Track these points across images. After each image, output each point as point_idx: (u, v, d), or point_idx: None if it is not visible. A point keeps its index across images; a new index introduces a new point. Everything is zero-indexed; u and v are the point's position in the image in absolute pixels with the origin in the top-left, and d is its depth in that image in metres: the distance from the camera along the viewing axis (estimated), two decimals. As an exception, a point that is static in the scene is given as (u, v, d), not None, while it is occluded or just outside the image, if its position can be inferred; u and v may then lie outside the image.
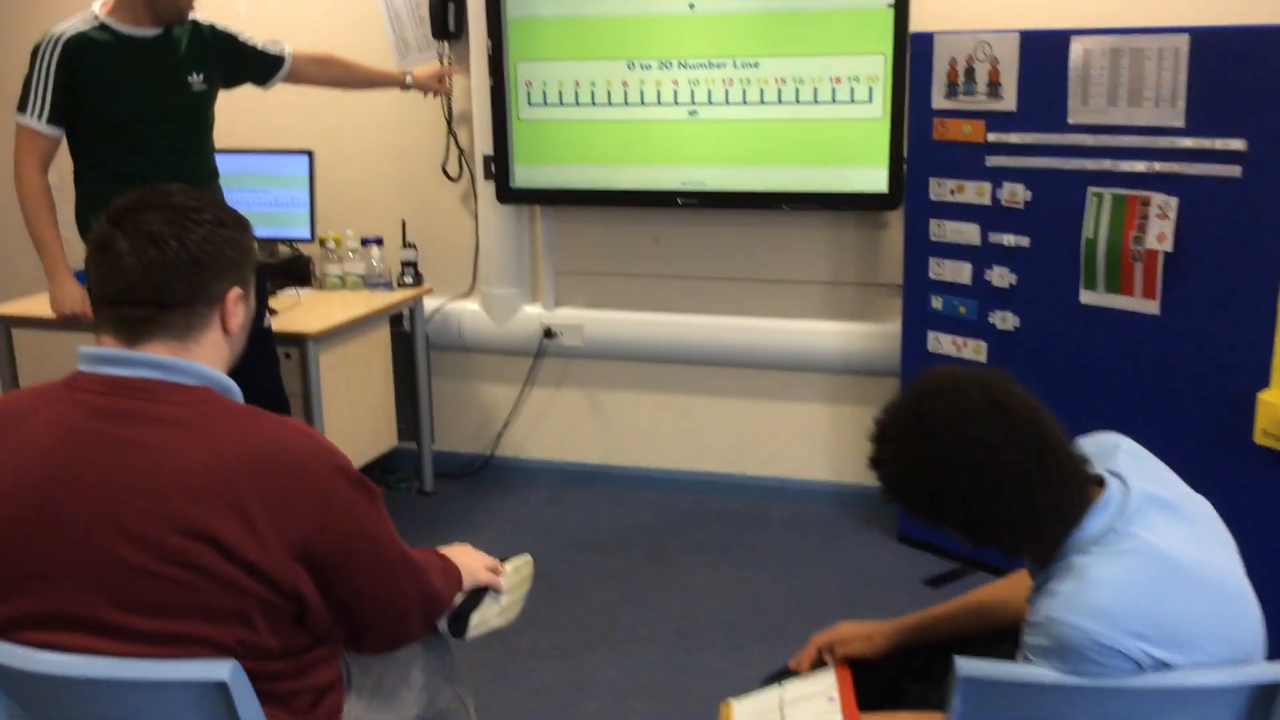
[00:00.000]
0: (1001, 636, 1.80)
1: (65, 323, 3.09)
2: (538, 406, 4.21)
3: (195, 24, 3.10)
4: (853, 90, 3.48)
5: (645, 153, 3.73)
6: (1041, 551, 1.57)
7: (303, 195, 3.96)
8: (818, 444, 3.96)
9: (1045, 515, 1.51)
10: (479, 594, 1.94)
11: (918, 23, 3.37)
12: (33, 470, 1.45)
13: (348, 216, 4.10)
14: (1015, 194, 3.15)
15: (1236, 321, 2.80)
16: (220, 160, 3.25)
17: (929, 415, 1.53)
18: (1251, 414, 2.77)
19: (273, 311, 3.41)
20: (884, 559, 3.58)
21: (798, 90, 3.53)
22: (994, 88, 3.13)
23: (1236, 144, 2.73)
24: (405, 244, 4.01)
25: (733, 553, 3.64)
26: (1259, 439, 2.76)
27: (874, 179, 3.52)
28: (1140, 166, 2.90)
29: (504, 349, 4.14)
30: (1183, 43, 2.78)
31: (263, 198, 3.95)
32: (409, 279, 3.99)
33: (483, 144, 3.90)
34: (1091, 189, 2.98)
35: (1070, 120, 3.01)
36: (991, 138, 3.16)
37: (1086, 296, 3.06)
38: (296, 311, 3.63)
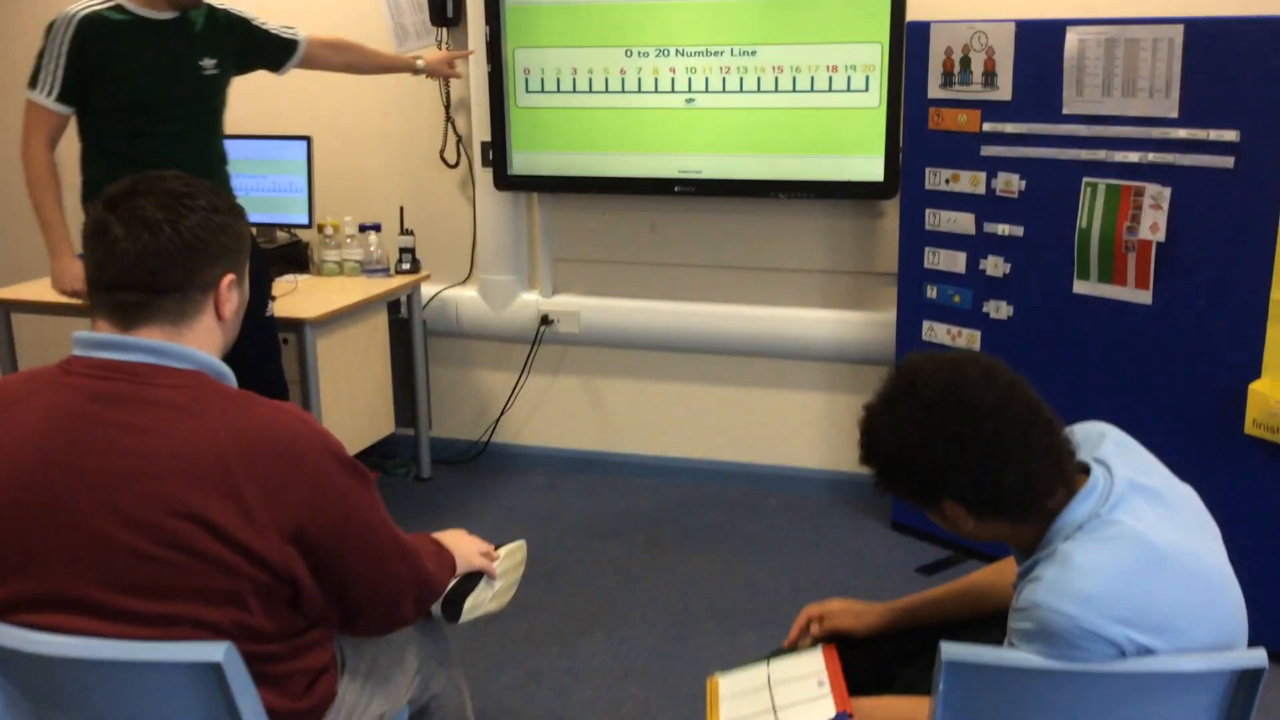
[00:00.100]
0: (992, 621, 1.81)
1: (66, 299, 3.10)
2: (534, 393, 4.22)
3: (210, 8, 3.09)
4: (849, 79, 3.49)
5: (642, 140, 3.73)
6: (1028, 536, 1.58)
7: (301, 181, 3.96)
8: (813, 432, 3.97)
9: (1045, 482, 1.52)
10: (473, 578, 1.96)
11: (914, 11, 3.37)
12: (28, 454, 1.46)
13: (346, 202, 4.10)
14: (1010, 184, 3.16)
15: (1228, 312, 2.81)
16: (220, 146, 3.25)
17: (923, 388, 1.54)
18: (1243, 404, 2.78)
19: (272, 298, 3.42)
20: (878, 546, 3.59)
21: (794, 78, 3.54)
22: (989, 77, 3.13)
23: (1229, 135, 2.74)
24: (403, 230, 4.02)
25: (728, 540, 3.66)
26: (1250, 429, 2.77)
27: (870, 168, 3.53)
28: (1134, 157, 2.90)
29: (501, 336, 4.15)
30: (1177, 33, 2.79)
31: (261, 183, 3.95)
32: (407, 265, 4.00)
33: (480, 131, 3.91)
34: (1085, 179, 2.99)
35: (1065, 110, 3.01)
36: (987, 127, 3.17)
37: (1080, 286, 3.07)
38: (294, 297, 3.64)
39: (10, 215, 4.47)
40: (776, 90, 3.56)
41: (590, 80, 3.73)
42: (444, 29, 3.91)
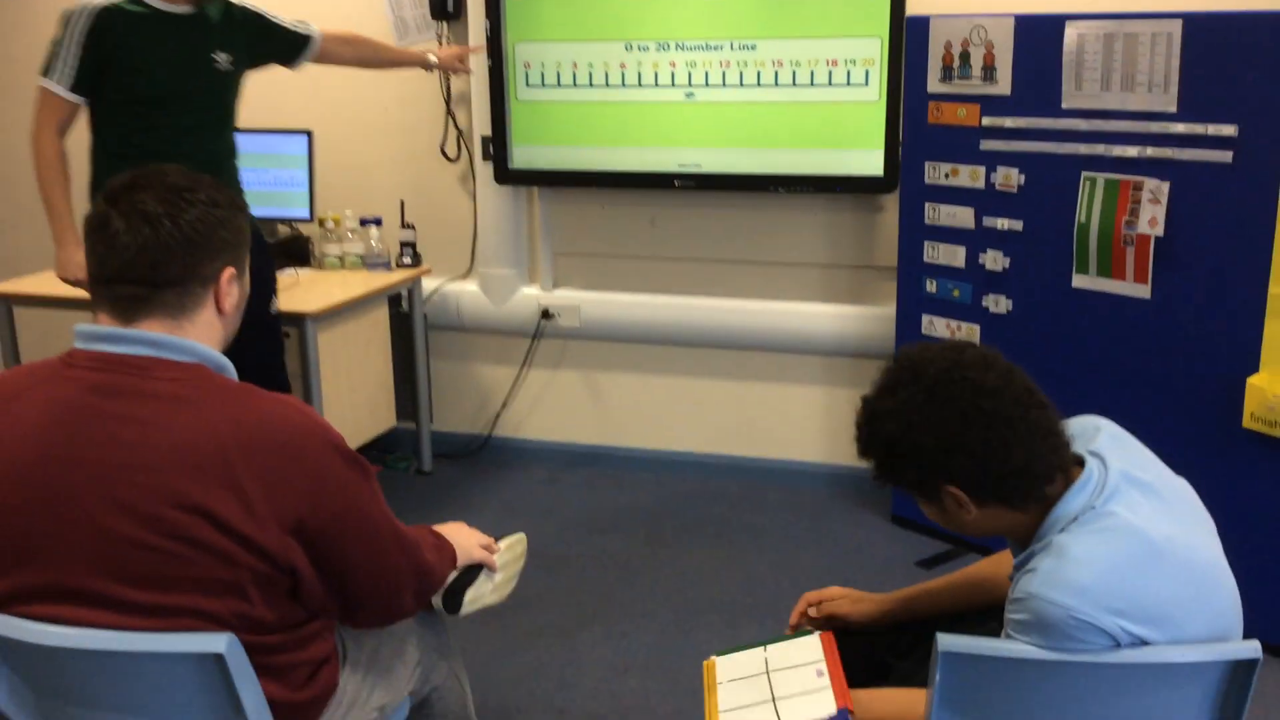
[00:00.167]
0: (989, 613, 1.82)
1: (70, 287, 3.10)
2: (535, 387, 4.23)
3: (226, 3, 3.09)
4: (849, 73, 3.49)
5: (642, 134, 3.74)
6: (1025, 528, 1.59)
7: (302, 175, 3.97)
8: (813, 426, 3.98)
9: (1045, 464, 1.53)
10: (473, 571, 1.97)
11: (914, 6, 3.37)
12: (30, 446, 1.47)
13: (347, 197, 4.11)
14: (1009, 178, 3.16)
15: (1226, 306, 2.82)
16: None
17: (924, 372, 1.55)
18: (1241, 398, 2.79)
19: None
20: (877, 540, 3.60)
21: (794, 73, 3.54)
22: (989, 72, 3.14)
23: (1228, 129, 2.74)
24: (404, 224, 4.02)
25: (728, 533, 3.67)
26: (1248, 423, 2.78)
27: (870, 162, 3.53)
28: (1133, 151, 2.91)
29: (502, 330, 4.16)
30: (1175, 28, 2.79)
31: (262, 177, 3.96)
32: (407, 259, 4.01)
33: (481, 125, 3.91)
34: (1085, 173, 3.00)
35: (1064, 105, 3.02)
36: (986, 122, 3.17)
37: (1079, 280, 3.07)
38: (295, 291, 3.65)
39: (12, 210, 4.48)
40: (776, 84, 3.57)
41: (590, 74, 3.73)
42: (444, 23, 3.91)
